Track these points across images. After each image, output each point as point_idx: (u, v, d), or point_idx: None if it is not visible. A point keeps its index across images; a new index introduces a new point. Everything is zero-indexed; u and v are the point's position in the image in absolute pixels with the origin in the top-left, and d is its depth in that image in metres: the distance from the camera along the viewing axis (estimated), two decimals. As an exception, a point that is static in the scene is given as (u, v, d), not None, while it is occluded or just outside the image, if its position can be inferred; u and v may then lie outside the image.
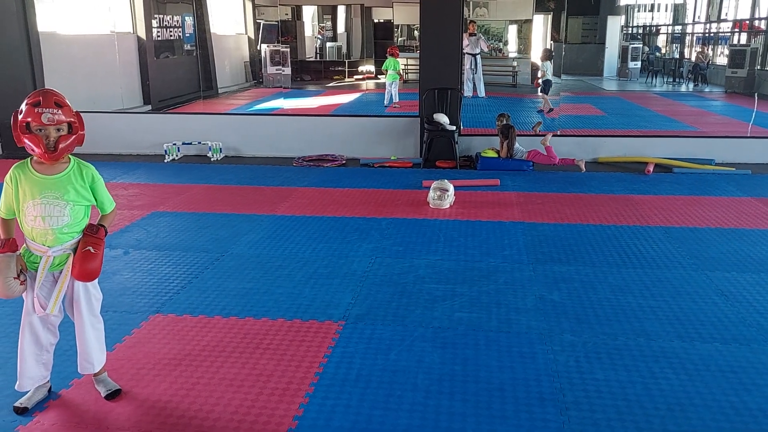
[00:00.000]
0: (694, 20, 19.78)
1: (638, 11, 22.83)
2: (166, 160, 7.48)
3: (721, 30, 16.80)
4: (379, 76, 15.41)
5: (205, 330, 3.24)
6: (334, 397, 2.65)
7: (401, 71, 12.30)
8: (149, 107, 11.03)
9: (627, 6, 20.16)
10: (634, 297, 3.64)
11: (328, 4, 20.58)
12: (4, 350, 3.01)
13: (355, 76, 17.71)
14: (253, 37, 16.48)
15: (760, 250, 4.39)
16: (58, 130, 2.34)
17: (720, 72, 15.32)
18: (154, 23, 11.56)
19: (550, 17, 17.84)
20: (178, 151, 7.64)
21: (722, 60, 15.61)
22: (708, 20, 18.34)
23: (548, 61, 11.08)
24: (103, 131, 7.58)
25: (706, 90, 15.08)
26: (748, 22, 15.07)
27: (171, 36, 12.30)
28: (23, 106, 2.31)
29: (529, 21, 18.48)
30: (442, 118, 7.08)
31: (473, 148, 7.41)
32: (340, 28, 22.05)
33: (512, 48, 21.05)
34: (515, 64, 15.96)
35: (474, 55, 12.83)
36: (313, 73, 17.29)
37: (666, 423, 2.47)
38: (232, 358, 2.97)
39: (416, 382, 2.77)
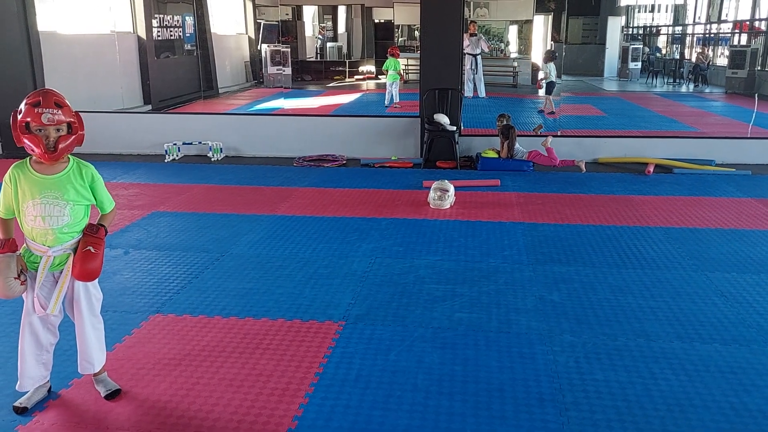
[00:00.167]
0: (694, 21, 19.78)
1: (639, 12, 22.83)
2: (166, 160, 7.49)
3: (721, 31, 16.80)
4: (379, 77, 15.42)
5: (205, 330, 3.24)
6: (333, 398, 2.65)
7: (402, 71, 12.30)
8: (149, 107, 11.04)
9: (627, 7, 20.16)
10: (634, 298, 3.64)
11: (329, 4, 20.59)
12: (4, 350, 3.01)
13: (356, 77, 17.71)
14: (253, 37, 16.48)
15: (760, 251, 4.39)
16: (58, 130, 2.34)
17: (720, 73, 15.32)
18: (155, 23, 11.57)
19: (550, 18, 17.85)
20: (179, 151, 7.64)
21: (722, 61, 15.61)
22: (708, 21, 18.34)
23: (551, 63, 11.08)
24: (103, 131, 7.59)
25: (707, 91, 15.08)
26: (748, 23, 15.06)
27: (171, 36, 12.30)
28: (23, 106, 2.31)
29: (530, 21, 18.48)
30: (443, 119, 7.08)
31: (474, 148, 7.41)
32: (341, 28, 22.06)
33: (513, 48, 21.06)
34: (516, 64, 15.97)
35: (474, 56, 12.84)
36: (314, 73, 17.30)
37: (666, 424, 2.47)
38: (231, 358, 2.97)
39: (416, 382, 2.77)
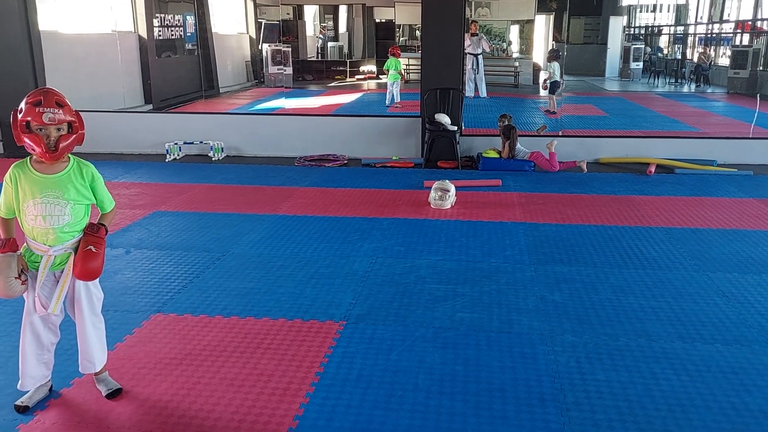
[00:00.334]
0: (696, 21, 19.75)
1: (640, 12, 22.81)
2: (167, 160, 7.49)
3: (723, 31, 16.78)
4: (380, 76, 15.43)
5: (206, 329, 3.24)
6: (334, 397, 2.65)
7: (402, 71, 12.29)
8: (150, 106, 11.04)
9: (629, 6, 20.14)
10: (635, 298, 3.63)
11: (330, 4, 20.59)
12: (5, 349, 3.01)
13: (357, 76, 17.72)
14: (254, 36, 16.48)
15: (762, 251, 4.38)
16: (59, 129, 2.34)
17: (722, 73, 15.30)
18: (156, 22, 11.57)
19: (552, 17, 17.84)
20: (180, 150, 7.64)
21: (724, 61, 15.59)
22: (710, 21, 18.32)
23: (555, 62, 11.06)
24: (104, 130, 7.59)
25: (708, 91, 15.06)
26: (750, 23, 15.04)
27: (172, 35, 12.31)
28: (23, 105, 2.31)
29: (531, 21, 18.47)
30: (444, 119, 7.07)
31: (475, 148, 7.41)
32: (342, 27, 22.06)
33: (514, 48, 21.05)
34: (517, 64, 15.96)
35: (476, 55, 12.83)
36: (315, 72, 17.30)
37: (667, 424, 2.47)
38: (233, 357, 2.97)
39: (417, 382, 2.77)
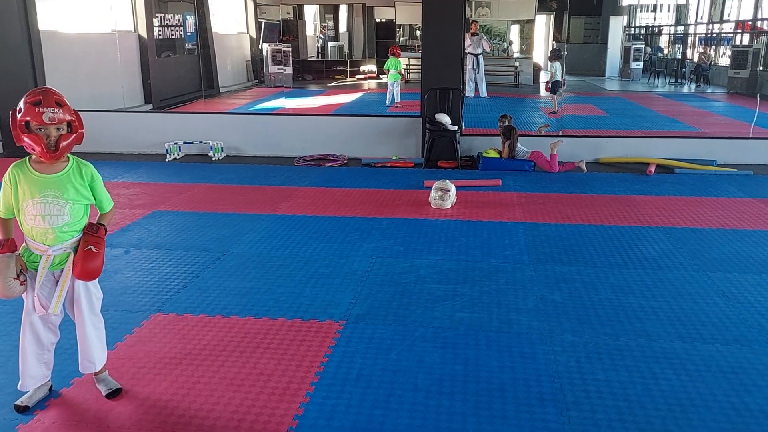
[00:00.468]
0: (696, 21, 19.75)
1: (641, 12, 22.81)
2: (167, 159, 7.49)
3: (723, 31, 16.77)
4: (380, 76, 15.42)
5: (206, 329, 3.24)
6: (334, 397, 2.65)
7: (403, 71, 12.29)
8: (150, 106, 11.04)
9: (629, 6, 20.13)
10: (635, 297, 3.63)
11: (330, 3, 20.59)
12: (5, 349, 3.01)
13: (357, 76, 17.72)
14: (254, 36, 16.48)
15: (762, 251, 4.38)
16: (59, 129, 2.34)
17: (722, 73, 15.30)
18: (156, 22, 11.57)
19: (552, 17, 17.83)
20: (180, 150, 7.64)
21: (724, 61, 15.59)
22: (710, 21, 18.32)
23: (557, 62, 11.06)
24: (104, 130, 7.59)
25: (708, 91, 15.06)
26: (750, 22, 15.03)
27: (172, 35, 12.30)
28: (22, 105, 2.31)
29: (532, 21, 18.47)
30: (444, 118, 7.07)
31: (475, 148, 7.41)
32: (342, 27, 22.06)
33: (515, 48, 21.04)
34: (517, 64, 15.96)
35: (476, 55, 12.83)
36: (315, 72, 17.30)
37: (667, 423, 2.47)
38: (232, 357, 2.97)
39: (417, 382, 2.77)
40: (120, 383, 2.70)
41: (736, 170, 6.75)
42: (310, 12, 20.39)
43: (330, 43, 21.11)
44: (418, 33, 17.29)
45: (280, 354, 2.99)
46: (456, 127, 7.11)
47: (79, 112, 2.44)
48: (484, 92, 13.04)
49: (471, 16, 16.43)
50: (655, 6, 22.68)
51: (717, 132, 9.02)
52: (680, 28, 20.53)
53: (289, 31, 17.72)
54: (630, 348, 3.04)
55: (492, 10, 19.33)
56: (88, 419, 2.50)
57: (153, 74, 11.24)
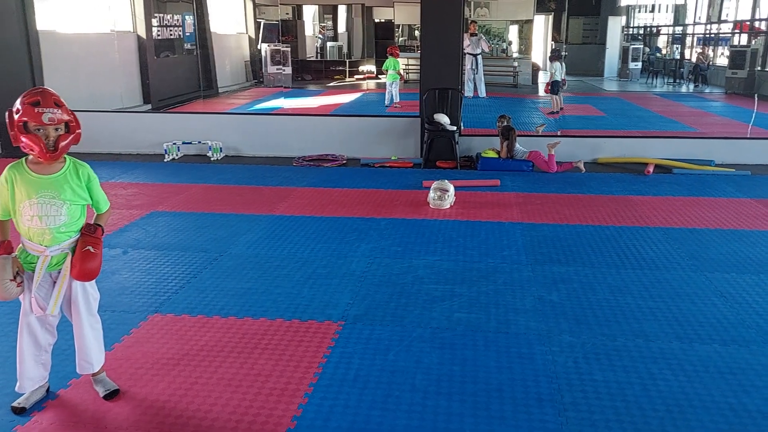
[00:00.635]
0: (694, 21, 19.77)
1: (639, 12, 22.83)
2: (165, 160, 7.49)
3: (721, 31, 16.79)
4: (379, 76, 15.42)
5: (204, 330, 3.24)
6: (332, 398, 2.65)
7: (401, 71, 12.29)
8: (149, 106, 11.03)
9: (628, 7, 20.15)
10: (633, 298, 3.63)
11: (329, 4, 20.59)
12: (2, 350, 3.01)
13: (356, 76, 17.71)
14: (253, 36, 16.48)
15: (760, 251, 4.38)
16: (57, 129, 2.34)
17: (720, 73, 15.31)
18: (155, 22, 11.56)
19: (551, 18, 17.84)
20: (178, 150, 7.64)
21: (722, 61, 15.60)
22: (709, 21, 18.34)
23: (557, 62, 11.08)
24: (102, 130, 7.59)
25: (707, 91, 15.07)
26: (748, 23, 15.05)
27: (171, 35, 12.30)
28: (19, 105, 2.30)
29: (530, 21, 18.48)
30: (443, 119, 7.08)
31: (474, 148, 7.41)
32: (341, 27, 22.06)
33: (513, 48, 21.05)
34: (516, 64, 15.96)
35: (475, 55, 12.84)
36: (314, 72, 17.30)
37: (664, 424, 2.47)
38: (230, 358, 2.97)
39: (414, 382, 2.77)
40: (118, 384, 2.70)
41: (734, 170, 6.75)
42: (309, 12, 20.40)
43: (329, 44, 21.10)
44: (417, 33, 17.29)
45: (278, 355, 2.99)
46: (455, 128, 7.12)
47: (76, 112, 2.44)
48: (483, 92, 13.04)
49: (470, 17, 16.43)
50: (653, 6, 22.71)
51: (715, 132, 9.03)
52: (678, 29, 20.56)
53: (288, 31, 17.71)
54: (628, 348, 3.05)
55: (491, 10, 19.34)
56: (85, 420, 2.50)
57: (152, 74, 11.24)
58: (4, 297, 2.37)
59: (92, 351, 2.59)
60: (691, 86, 15.85)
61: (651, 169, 6.74)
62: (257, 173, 6.85)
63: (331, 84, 16.20)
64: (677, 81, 16.82)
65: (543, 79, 15.31)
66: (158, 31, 11.73)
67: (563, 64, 11.11)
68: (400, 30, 21.74)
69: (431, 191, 5.53)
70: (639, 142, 7.56)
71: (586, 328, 3.27)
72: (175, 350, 3.03)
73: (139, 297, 3.65)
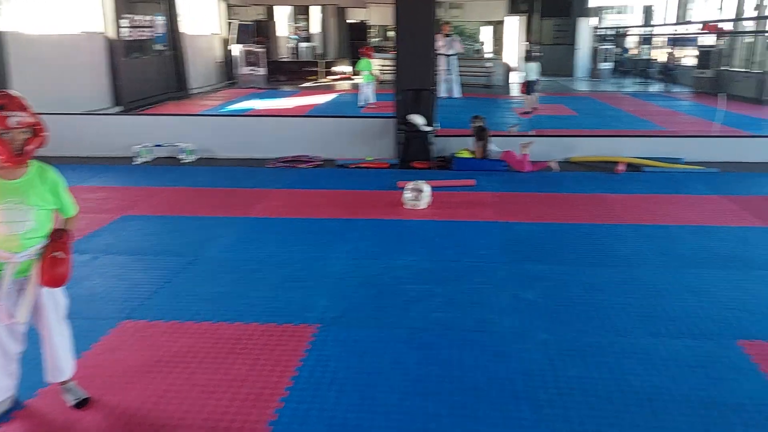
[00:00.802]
0: (663, 23, 20.16)
1: (609, 13, 23.20)
2: (137, 163, 7.37)
3: (689, 32, 17.15)
4: (354, 77, 15.40)
5: (177, 335, 3.20)
6: (309, 401, 2.63)
7: (376, 72, 12.29)
8: (120, 108, 10.85)
9: (598, 8, 20.46)
10: (606, 295, 3.68)
11: (303, 5, 20.50)
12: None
13: (331, 77, 17.67)
14: (226, 37, 16.33)
15: (728, 247, 4.48)
16: (23, 133, 2.29)
17: (688, 72, 15.65)
18: (125, 23, 11.39)
19: (523, 19, 18.02)
20: (149, 153, 7.52)
21: (691, 61, 15.93)
22: (677, 22, 18.72)
23: (531, 62, 11.19)
24: (71, 133, 7.42)
25: (675, 90, 15.38)
26: (715, 24, 15.40)
27: (142, 36, 12.12)
28: (-17, 110, 2.25)
29: (502, 23, 18.63)
30: (418, 119, 7.09)
31: (449, 148, 7.43)
32: (316, 28, 22.00)
33: (487, 49, 21.21)
34: (490, 65, 16.09)
35: (449, 56, 12.90)
36: (288, 73, 17.21)
37: (635, 418, 2.51)
38: (204, 363, 2.93)
39: (392, 384, 2.77)
40: (88, 393, 2.64)
41: (702, 168, 6.89)
42: (283, 13, 20.29)
43: (303, 44, 21.02)
44: (391, 34, 17.33)
45: (253, 359, 2.96)
46: (430, 128, 7.14)
47: (45, 115, 2.39)
48: (457, 93, 13.11)
49: (443, 18, 16.52)
50: (623, 8, 23.09)
51: (684, 131, 9.20)
52: (648, 29, 20.95)
53: (262, 32, 17.60)
54: (601, 345, 3.09)
55: (464, 11, 19.47)
56: (55, 430, 2.44)
57: (122, 76, 11.06)
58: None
59: (63, 358, 2.54)
60: (660, 86, 16.16)
61: (622, 167, 6.84)
62: (231, 175, 6.78)
63: (306, 85, 16.13)
64: (647, 81, 17.14)
65: (515, 79, 15.47)
66: (129, 32, 11.55)
67: (538, 64, 11.24)
68: (374, 30, 21.75)
69: (407, 192, 5.54)
70: (610, 141, 7.67)
71: (560, 325, 3.31)
72: (147, 357, 2.98)
73: (110, 303, 3.58)
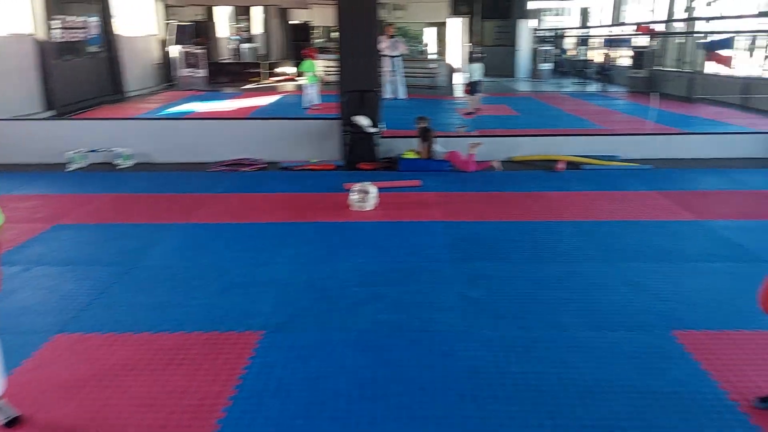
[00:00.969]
0: (599, 24, 20.88)
1: (547, 15, 23.86)
2: (70, 169, 7.06)
3: (624, 33, 17.81)
4: (298, 78, 15.24)
5: (114, 348, 3.07)
6: (253, 410, 2.58)
7: (321, 73, 12.21)
8: (52, 112, 10.38)
9: (537, 10, 20.98)
10: (548, 290, 3.76)
11: (243, 5, 20.16)
12: None
13: (274, 78, 17.45)
14: (164, 38, 15.88)
15: (662, 241, 4.66)
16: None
17: (623, 72, 16.25)
18: (56, 24, 10.91)
19: (466, 21, 18.28)
20: (84, 159, 7.22)
21: (625, 61, 16.55)
22: (613, 23, 19.42)
23: (474, 63, 11.35)
24: (-1, 139, 7.06)
25: (612, 89, 15.92)
26: (647, 26, 16.04)
27: (75, 37, 11.64)
28: None
29: (445, 24, 18.86)
30: (363, 120, 7.08)
31: (395, 149, 7.45)
32: (259, 29, 21.68)
33: (431, 50, 21.43)
34: (434, 66, 16.25)
35: (393, 57, 12.95)
36: (230, 75, 16.86)
37: (576, 411, 2.57)
38: (143, 375, 2.82)
39: (338, 388, 2.74)
40: (19, 411, 2.51)
41: (637, 165, 7.16)
42: (224, 13, 19.90)
43: (245, 45, 20.68)
44: (335, 35, 17.27)
45: (195, 369, 2.87)
46: (375, 129, 7.14)
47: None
48: (402, 94, 13.18)
49: (386, 19, 16.59)
50: (561, 10, 23.79)
51: (620, 129, 9.53)
52: (585, 31, 21.64)
53: (201, 32, 17.20)
54: (543, 340, 3.15)
55: (407, 13, 19.61)
56: (-20, 455, 2.30)
57: (54, 79, 10.58)
58: None
59: (-9, 376, 2.40)
60: (598, 85, 16.71)
61: (562, 166, 7.03)
62: (171, 180, 6.59)
63: (248, 86, 15.87)
64: (585, 81, 17.70)
65: (459, 80, 15.69)
66: (61, 33, 11.07)
67: (481, 65, 11.42)
68: (318, 31, 21.61)
69: (353, 193, 5.52)
70: (551, 140, 7.87)
71: (504, 322, 3.36)
72: (83, 371, 2.86)
73: (43, 317, 3.41)
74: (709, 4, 14.99)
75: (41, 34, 10.55)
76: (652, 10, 17.58)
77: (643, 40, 15.75)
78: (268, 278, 3.96)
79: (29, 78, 10.34)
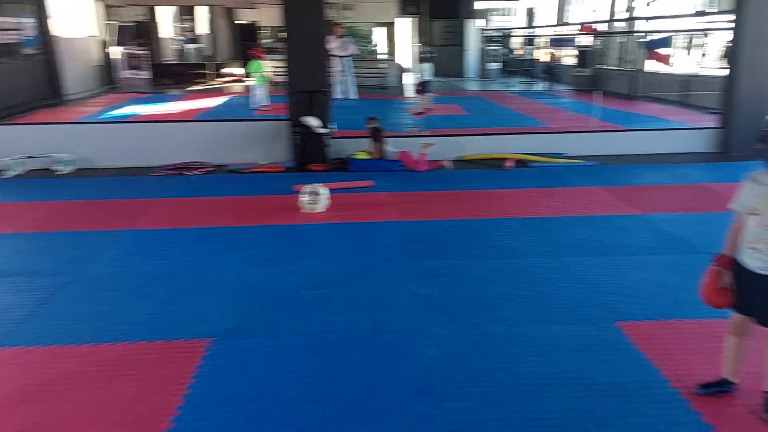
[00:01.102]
0: (544, 24, 21.38)
1: (494, 15, 24.27)
2: (7, 176, 6.75)
3: (568, 33, 18.28)
4: (245, 79, 15.02)
5: (55, 361, 2.96)
6: (202, 418, 2.52)
7: (269, 73, 12.06)
8: (-14, 117, 9.90)
9: (485, 10, 21.30)
10: (497, 286, 3.83)
11: (187, 5, 19.72)
12: None
13: (221, 79, 17.14)
14: (105, 39, 15.38)
15: (606, 235, 4.80)
16: None
17: (568, 71, 16.68)
18: (-13, 24, 10.41)
19: (414, 20, 18.40)
20: (21, 165, 6.91)
21: (570, 60, 16.99)
22: (557, 23, 19.92)
23: (424, 63, 11.43)
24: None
25: (557, 88, 16.31)
26: (590, 25, 16.52)
27: (8, 39, 11.13)
28: None
29: (393, 24, 18.94)
30: (312, 121, 7.04)
31: (346, 150, 7.43)
32: (204, 29, 21.25)
33: (381, 50, 21.50)
34: (384, 66, 16.29)
35: (343, 57, 12.92)
36: (175, 76, 16.46)
37: (525, 404, 2.62)
38: (87, 388, 2.73)
39: (289, 392, 2.71)
40: (-51, 434, 2.38)
41: (582, 161, 7.36)
42: (167, 13, 19.41)
43: (191, 46, 20.25)
44: (283, 35, 17.09)
45: (141, 380, 2.79)
46: (325, 130, 7.10)
47: None
48: (353, 94, 13.17)
49: (335, 19, 16.53)
50: (507, 10, 24.24)
51: (565, 127, 9.76)
52: (531, 31, 22.12)
53: (144, 33, 16.74)
54: (493, 335, 3.20)
55: (356, 13, 19.60)
56: None
57: (-14, 82, 10.10)
58: None
59: None
60: (544, 84, 17.10)
61: (511, 164, 7.17)
62: (114, 186, 6.38)
63: (194, 88, 15.53)
64: (532, 80, 18.08)
65: (409, 80, 15.78)
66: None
67: (431, 65, 11.52)
68: (266, 31, 21.36)
69: (304, 195, 5.47)
70: (500, 138, 8.00)
71: (455, 319, 3.39)
72: (22, 386, 2.74)
73: (-24, 332, 3.25)
74: (648, 4, 15.57)
75: (-29, 35, 10.06)
76: (595, 10, 18.13)
77: (586, 40, 16.21)
78: (216, 284, 3.89)
79: (-41, 81, 9.84)
